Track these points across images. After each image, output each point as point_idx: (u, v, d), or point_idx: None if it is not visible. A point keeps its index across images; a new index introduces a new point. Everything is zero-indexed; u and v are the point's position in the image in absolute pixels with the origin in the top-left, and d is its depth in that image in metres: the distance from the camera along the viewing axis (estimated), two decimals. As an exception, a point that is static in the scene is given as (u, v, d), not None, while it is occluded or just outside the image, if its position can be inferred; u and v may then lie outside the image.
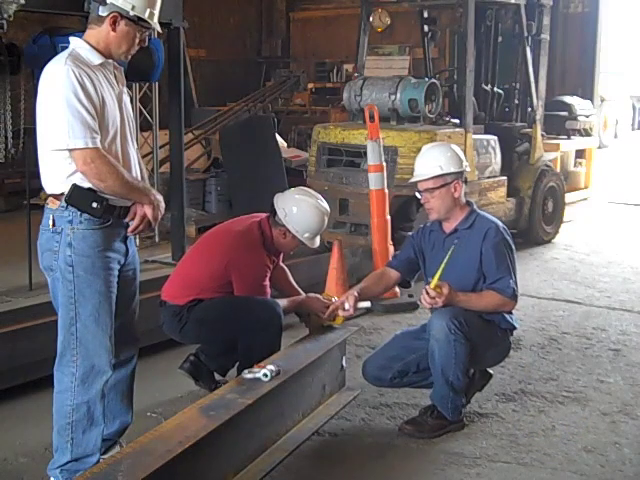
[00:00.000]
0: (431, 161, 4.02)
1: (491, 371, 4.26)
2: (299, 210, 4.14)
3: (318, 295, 4.33)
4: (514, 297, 3.90)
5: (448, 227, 4.05)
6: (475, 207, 4.08)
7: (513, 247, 3.99)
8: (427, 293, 3.78)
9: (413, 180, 4.09)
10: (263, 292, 4.09)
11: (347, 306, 4.05)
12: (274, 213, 4.16)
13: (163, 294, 4.23)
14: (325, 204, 4.25)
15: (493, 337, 3.95)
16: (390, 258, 6.13)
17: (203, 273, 4.14)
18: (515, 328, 4.11)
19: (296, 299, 4.28)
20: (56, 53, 3.42)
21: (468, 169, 4.10)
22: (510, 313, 4.01)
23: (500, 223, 4.04)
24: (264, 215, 4.25)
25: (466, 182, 4.07)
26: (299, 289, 4.39)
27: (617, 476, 3.60)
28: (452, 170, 3.96)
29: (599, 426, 4.08)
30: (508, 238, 3.98)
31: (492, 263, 3.88)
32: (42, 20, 9.31)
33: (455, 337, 3.79)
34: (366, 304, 4.15)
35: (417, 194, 4.06)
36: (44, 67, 3.17)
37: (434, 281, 3.80)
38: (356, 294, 4.05)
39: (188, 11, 7.49)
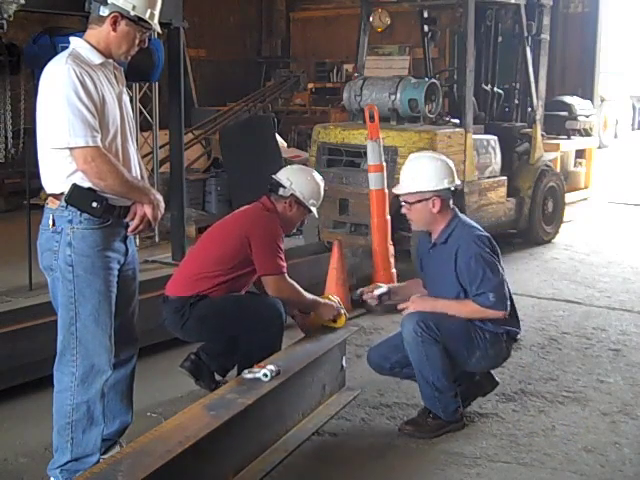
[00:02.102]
0: (411, 175, 4.00)
1: (497, 379, 4.25)
2: (303, 177, 4.33)
3: (333, 303, 4.35)
4: (496, 308, 3.85)
5: (433, 238, 4.05)
6: (456, 216, 4.01)
7: (492, 257, 3.89)
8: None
9: (395, 191, 4.12)
10: (281, 257, 4.10)
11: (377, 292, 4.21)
12: (276, 190, 4.26)
13: (166, 290, 4.23)
14: (320, 176, 4.50)
15: (476, 341, 3.91)
16: (390, 258, 6.17)
17: (216, 256, 4.14)
18: (516, 333, 4.08)
19: (318, 301, 4.30)
20: (56, 53, 3.42)
21: (456, 183, 4.00)
22: (506, 320, 3.96)
23: (476, 233, 3.95)
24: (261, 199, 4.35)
25: (454, 192, 4.01)
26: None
27: (617, 476, 3.60)
28: (429, 188, 3.92)
29: (599, 426, 4.08)
30: (485, 249, 3.88)
31: (466, 282, 3.87)
32: (42, 20, 9.30)
33: (422, 339, 3.82)
34: (381, 290, 4.24)
35: (402, 203, 4.06)
36: (44, 67, 3.17)
37: None
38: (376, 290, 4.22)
39: (188, 11, 7.49)
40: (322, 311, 4.29)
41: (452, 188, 3.97)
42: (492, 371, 4.25)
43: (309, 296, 4.25)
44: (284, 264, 4.12)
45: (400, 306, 4.04)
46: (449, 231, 3.96)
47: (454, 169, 4.06)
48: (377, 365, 4.15)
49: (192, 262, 4.29)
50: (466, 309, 3.89)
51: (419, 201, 3.93)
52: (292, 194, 4.24)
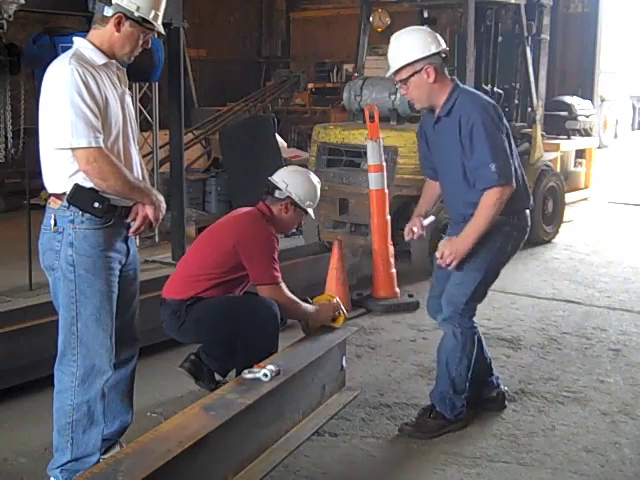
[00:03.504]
0: (397, 52, 3.83)
1: (506, 403, 4.27)
2: (299, 179, 4.30)
3: (325, 302, 4.33)
4: (503, 183, 3.67)
5: (436, 113, 3.89)
6: (457, 86, 3.85)
7: (495, 125, 3.75)
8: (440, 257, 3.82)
9: (387, 74, 3.96)
10: (274, 267, 4.07)
11: (415, 229, 4.08)
12: (272, 192, 4.24)
13: (163, 292, 4.23)
14: (316, 177, 4.45)
15: (494, 264, 3.87)
16: (390, 258, 6.17)
17: (208, 262, 4.13)
18: (526, 208, 3.95)
19: (311, 312, 4.25)
20: (56, 53, 3.44)
21: (443, 48, 3.82)
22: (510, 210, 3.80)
23: (479, 101, 3.83)
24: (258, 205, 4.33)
25: (445, 60, 3.84)
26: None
27: (617, 476, 3.60)
28: (417, 57, 3.73)
29: (599, 426, 4.08)
30: (488, 117, 3.73)
31: (467, 153, 3.73)
32: (42, 20, 9.31)
33: (462, 329, 3.86)
34: (431, 219, 4.13)
35: (397, 86, 3.93)
36: (44, 67, 3.18)
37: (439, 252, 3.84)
38: (419, 217, 4.10)
39: (188, 11, 7.50)
40: (317, 318, 4.28)
41: (442, 54, 3.81)
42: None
43: (304, 307, 4.19)
44: (278, 274, 4.09)
45: (438, 259, 3.88)
46: (452, 102, 3.80)
47: (438, 36, 3.88)
48: (434, 314, 4.11)
49: (187, 264, 4.29)
50: (485, 214, 3.71)
51: (412, 75, 3.77)
52: (288, 196, 4.22)
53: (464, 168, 3.78)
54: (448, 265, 3.81)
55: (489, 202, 3.70)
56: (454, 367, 3.89)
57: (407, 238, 4.16)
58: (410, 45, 3.79)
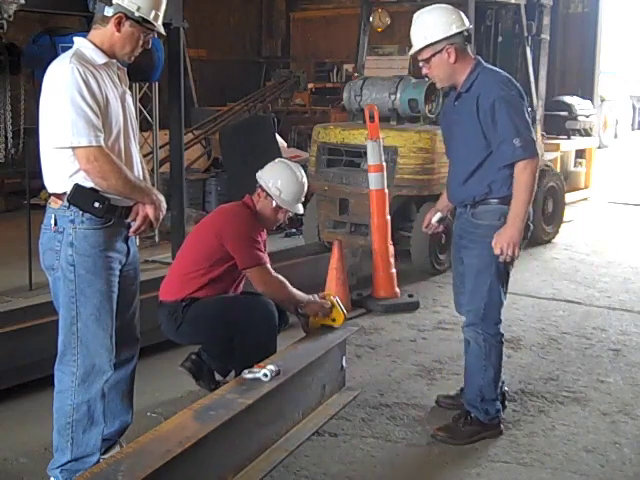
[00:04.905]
0: (418, 31, 3.76)
1: (506, 403, 4.23)
2: (270, 166, 4.33)
3: (321, 301, 4.29)
4: (528, 156, 3.63)
5: (458, 90, 3.86)
6: (479, 63, 3.81)
7: (517, 100, 3.72)
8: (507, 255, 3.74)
9: (409, 53, 3.94)
10: (258, 249, 4.09)
11: (429, 226, 4.19)
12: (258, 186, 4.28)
13: (160, 294, 4.23)
14: (302, 170, 4.37)
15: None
16: (390, 258, 6.17)
17: (197, 257, 4.14)
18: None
19: (306, 298, 4.23)
20: (56, 53, 3.44)
21: (467, 26, 3.75)
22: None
23: (499, 77, 3.80)
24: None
25: (469, 40, 3.79)
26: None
27: (617, 476, 3.60)
28: (438, 38, 3.69)
29: (599, 426, 4.08)
30: (509, 92, 3.71)
31: (489, 129, 3.69)
32: (42, 20, 9.32)
33: (486, 351, 3.84)
34: (438, 215, 4.18)
35: (420, 64, 3.87)
36: (44, 67, 3.18)
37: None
38: (431, 213, 4.18)
39: (188, 11, 7.49)
40: (310, 307, 4.23)
41: (464, 33, 3.73)
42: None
43: (292, 290, 4.17)
44: (263, 255, 4.10)
45: (500, 257, 3.76)
46: (472, 79, 3.76)
47: (462, 14, 3.82)
48: (462, 310, 4.09)
49: (179, 264, 4.29)
50: (523, 190, 3.65)
51: (433, 55, 3.72)
52: (259, 185, 4.25)
53: (475, 146, 3.75)
54: (512, 256, 3.73)
55: (523, 179, 3.67)
56: (480, 376, 3.87)
57: (424, 229, 4.27)
58: (431, 25, 3.74)
